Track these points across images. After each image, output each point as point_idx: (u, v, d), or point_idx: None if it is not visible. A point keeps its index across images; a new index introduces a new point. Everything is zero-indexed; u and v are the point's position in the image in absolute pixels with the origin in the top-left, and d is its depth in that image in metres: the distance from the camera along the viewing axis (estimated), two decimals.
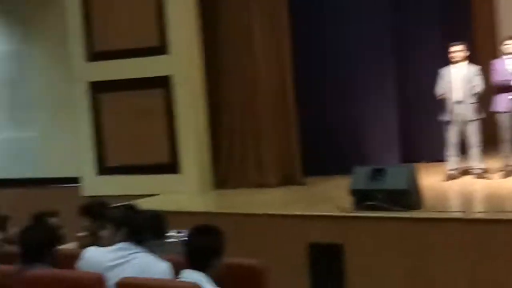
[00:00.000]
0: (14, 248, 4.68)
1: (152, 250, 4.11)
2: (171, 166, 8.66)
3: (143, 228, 4.03)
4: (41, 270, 3.58)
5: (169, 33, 8.50)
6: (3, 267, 3.78)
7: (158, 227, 4.75)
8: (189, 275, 3.33)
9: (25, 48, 10.09)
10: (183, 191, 8.45)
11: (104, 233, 4.23)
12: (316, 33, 9.05)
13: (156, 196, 8.33)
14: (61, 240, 4.21)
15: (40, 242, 3.76)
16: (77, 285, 3.40)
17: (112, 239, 4.00)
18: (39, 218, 5.08)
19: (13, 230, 5.38)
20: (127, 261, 3.75)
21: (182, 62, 8.54)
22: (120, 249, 3.82)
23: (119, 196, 7.56)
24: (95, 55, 8.92)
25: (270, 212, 6.91)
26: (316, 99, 9.05)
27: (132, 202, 5.50)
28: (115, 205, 5.02)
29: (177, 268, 3.76)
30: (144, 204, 7.13)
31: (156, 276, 3.61)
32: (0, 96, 10.28)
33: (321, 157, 8.90)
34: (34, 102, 10.06)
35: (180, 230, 5.05)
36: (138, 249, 3.84)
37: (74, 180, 9.27)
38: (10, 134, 10.28)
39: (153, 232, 4.70)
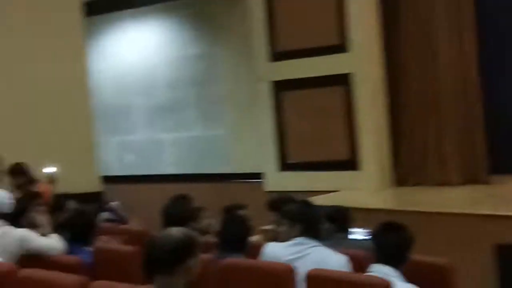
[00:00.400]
0: (207, 238, 5.01)
1: (335, 243, 4.20)
2: (350, 163, 8.70)
3: (318, 223, 4.10)
4: (236, 259, 3.82)
5: (350, 31, 8.55)
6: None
7: (342, 222, 4.86)
8: (379, 269, 3.38)
9: (212, 50, 10.61)
10: (363, 188, 8.46)
11: (281, 228, 4.35)
12: (503, 26, 8.63)
13: (336, 193, 8.42)
14: (252, 232, 4.42)
15: (238, 233, 4.02)
16: (269, 274, 3.56)
17: (288, 234, 4.10)
18: (231, 211, 5.37)
19: (206, 221, 5.75)
20: (304, 255, 3.84)
21: (363, 59, 8.55)
22: (297, 244, 3.91)
23: (299, 192, 7.72)
24: (277, 55, 9.21)
25: (454, 211, 6.71)
26: (502, 93, 8.62)
27: (306, 198, 5.57)
28: (288, 200, 5.10)
29: (360, 263, 3.82)
30: (324, 200, 7.27)
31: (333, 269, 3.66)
32: (190, 96, 10.89)
33: (507, 154, 8.47)
34: (221, 101, 10.56)
35: (362, 226, 5.08)
36: (315, 243, 3.91)
37: (259, 175, 9.63)
38: (199, 132, 10.88)
39: (337, 226, 4.82)
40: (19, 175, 6.51)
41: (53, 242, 4.67)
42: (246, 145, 10.15)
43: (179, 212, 4.83)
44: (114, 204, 7.15)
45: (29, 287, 3.35)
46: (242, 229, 4.07)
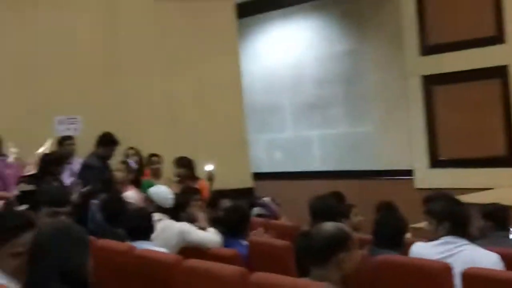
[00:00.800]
0: (359, 235, 5.00)
1: (492, 242, 4.05)
2: (508, 159, 8.32)
3: (467, 222, 3.96)
4: (391, 256, 3.79)
5: (507, 21, 8.17)
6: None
7: (501, 220, 4.66)
8: None
9: (360, 46, 10.55)
10: None
11: (427, 226, 4.24)
12: None
13: (491, 190, 8.06)
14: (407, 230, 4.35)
15: (394, 231, 4.00)
16: (425, 272, 3.50)
17: (436, 233, 3.99)
18: (385, 208, 5.32)
19: (357, 218, 5.74)
20: (453, 254, 3.72)
21: None
22: (445, 243, 3.80)
23: (451, 189, 7.49)
24: (428, 49, 9.00)
25: None
26: None
27: (458, 195, 5.37)
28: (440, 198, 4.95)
29: None
30: (479, 198, 6.99)
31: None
32: (337, 93, 10.90)
33: None
34: (368, 97, 10.47)
35: None
36: (463, 241, 3.79)
37: (407, 172, 9.44)
38: (346, 129, 10.86)
39: (495, 224, 4.63)
40: (184, 167, 6.88)
41: (211, 235, 4.89)
42: (394, 142, 9.99)
43: (330, 208, 4.86)
44: (266, 199, 7.33)
45: (193, 276, 3.53)
46: (399, 227, 4.04)
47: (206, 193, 6.47)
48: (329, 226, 2.95)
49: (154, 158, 7.25)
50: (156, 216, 4.91)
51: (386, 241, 3.96)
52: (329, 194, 5.44)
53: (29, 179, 5.88)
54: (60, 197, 4.17)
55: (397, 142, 9.91)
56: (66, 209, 4.05)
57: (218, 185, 7.07)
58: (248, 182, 9.00)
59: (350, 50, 10.64)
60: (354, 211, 5.69)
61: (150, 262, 3.96)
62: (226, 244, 4.90)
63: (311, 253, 2.89)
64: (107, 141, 6.70)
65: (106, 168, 6.64)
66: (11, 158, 6.15)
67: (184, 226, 4.95)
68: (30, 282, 2.45)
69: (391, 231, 4.01)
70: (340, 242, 2.85)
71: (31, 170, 6.03)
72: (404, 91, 9.46)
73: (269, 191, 8.53)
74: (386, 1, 9.89)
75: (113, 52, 8.25)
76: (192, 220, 5.12)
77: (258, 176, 9.81)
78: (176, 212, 5.19)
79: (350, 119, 10.78)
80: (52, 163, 5.98)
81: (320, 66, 11.05)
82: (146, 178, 6.96)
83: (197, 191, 5.61)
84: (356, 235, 4.85)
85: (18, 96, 7.56)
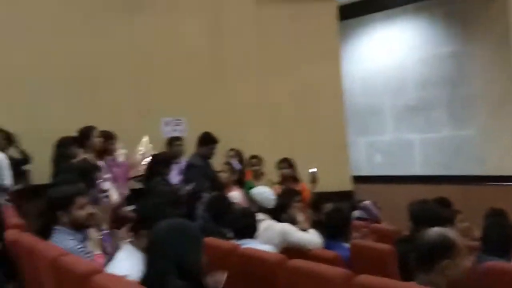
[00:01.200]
0: (466, 241, 4.89)
1: None
2: None
3: None
4: (499, 263, 3.71)
5: None
6: None
7: None
8: None
9: (465, 48, 10.26)
10: None
11: None
12: None
13: None
14: None
15: (502, 238, 3.91)
16: None
17: None
18: (495, 215, 5.19)
19: (462, 224, 5.63)
20: None
21: None
22: None
23: None
24: None
25: None
26: None
27: None
28: None
29: None
30: None
31: None
32: (441, 96, 10.65)
33: None
34: (473, 100, 10.16)
35: None
36: None
37: None
38: (449, 132, 10.58)
39: None
40: (287, 167, 6.98)
41: (311, 237, 4.94)
42: (499, 146, 9.65)
43: (432, 213, 4.78)
44: (367, 203, 7.29)
45: (296, 276, 3.57)
46: (507, 234, 3.94)
47: (307, 195, 6.52)
48: (433, 232, 2.93)
49: (254, 160, 7.37)
50: (259, 216, 5.01)
51: (494, 248, 3.88)
52: (435, 199, 5.36)
53: (138, 178, 6.13)
54: (174, 198, 4.34)
55: (502, 146, 9.57)
56: (180, 209, 4.21)
57: (318, 187, 7.10)
58: (347, 185, 8.96)
59: (454, 51, 10.37)
60: (459, 217, 5.57)
61: (254, 261, 4.04)
62: (327, 246, 4.93)
63: (415, 259, 2.89)
64: (207, 140, 6.92)
65: (208, 167, 6.84)
66: (121, 158, 6.42)
67: (286, 226, 5.02)
68: (149, 276, 2.60)
69: (499, 238, 3.93)
70: (444, 249, 2.83)
71: (140, 170, 6.28)
72: (511, 94, 9.12)
73: (368, 194, 8.47)
74: (493, 1, 9.57)
75: (217, 56, 8.45)
76: (293, 221, 5.18)
77: (357, 179, 9.75)
78: (278, 213, 5.26)
79: (453, 122, 10.50)
80: (160, 163, 6.21)
81: (423, 68, 10.84)
82: (246, 179, 7.10)
83: (298, 193, 5.65)
84: (464, 242, 4.77)
85: (129, 98, 7.88)
